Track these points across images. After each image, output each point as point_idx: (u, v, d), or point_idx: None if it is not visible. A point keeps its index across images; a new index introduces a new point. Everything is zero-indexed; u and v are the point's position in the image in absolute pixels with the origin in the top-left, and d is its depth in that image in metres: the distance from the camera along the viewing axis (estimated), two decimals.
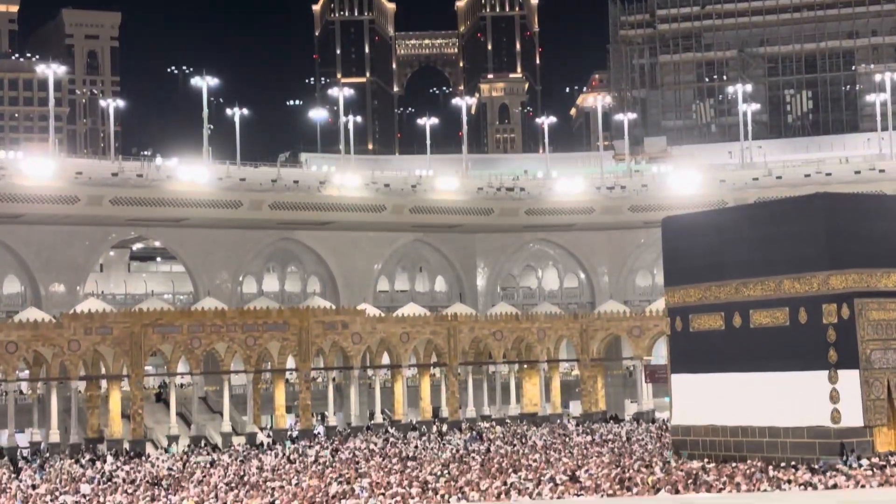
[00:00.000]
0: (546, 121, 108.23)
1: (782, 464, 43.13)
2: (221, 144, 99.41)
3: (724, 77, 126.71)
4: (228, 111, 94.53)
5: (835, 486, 35.15)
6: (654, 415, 79.87)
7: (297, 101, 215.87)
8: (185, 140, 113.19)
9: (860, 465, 40.98)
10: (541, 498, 34.31)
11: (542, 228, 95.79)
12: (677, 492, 35.03)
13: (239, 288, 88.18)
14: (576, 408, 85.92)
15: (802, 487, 35.85)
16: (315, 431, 72.40)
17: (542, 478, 39.50)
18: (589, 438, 60.76)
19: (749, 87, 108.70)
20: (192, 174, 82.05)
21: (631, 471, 41.04)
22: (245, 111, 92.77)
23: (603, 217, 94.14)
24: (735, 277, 49.02)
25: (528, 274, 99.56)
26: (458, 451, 56.24)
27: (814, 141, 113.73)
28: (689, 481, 37.09)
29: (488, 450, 55.73)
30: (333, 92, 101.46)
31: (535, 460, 47.97)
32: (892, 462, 41.79)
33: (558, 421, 77.45)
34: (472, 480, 39.02)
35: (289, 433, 72.32)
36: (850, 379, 44.78)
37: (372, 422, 76.42)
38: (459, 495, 35.54)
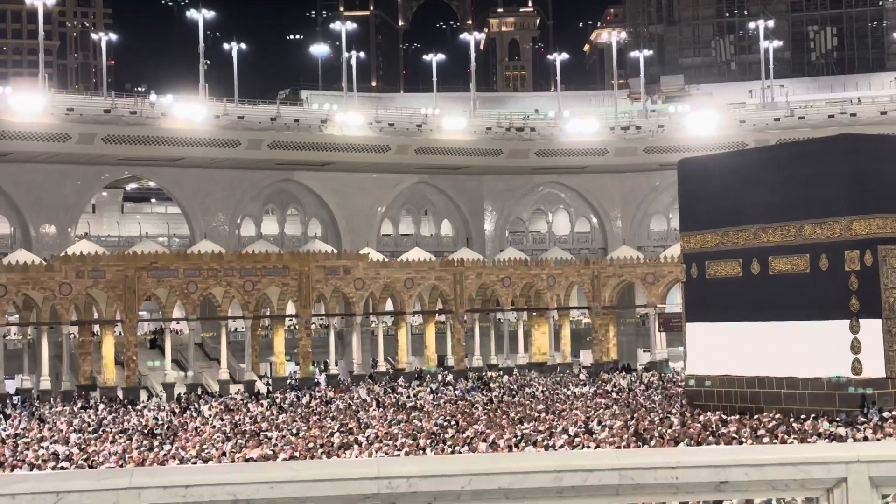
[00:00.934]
0: (558, 57, 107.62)
1: (801, 416, 43.26)
2: (219, 81, 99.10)
3: (745, 12, 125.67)
4: (226, 46, 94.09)
5: (865, 440, 35.16)
6: (668, 364, 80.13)
7: (297, 36, 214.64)
8: (180, 76, 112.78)
9: (882, 419, 41.06)
10: (555, 450, 34.36)
11: (552, 171, 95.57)
12: (698, 444, 35.09)
13: (237, 231, 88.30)
14: (586, 357, 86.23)
15: (828, 440, 35.91)
16: (316, 380, 72.77)
17: (553, 429, 39.65)
18: (599, 389, 61.01)
19: (771, 23, 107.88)
20: (187, 112, 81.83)
21: (645, 422, 41.19)
22: (243, 46, 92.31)
23: (617, 159, 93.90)
24: (754, 222, 48.92)
25: (537, 218, 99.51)
26: (459, 399, 56.48)
27: (838, 80, 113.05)
28: (708, 434, 37.16)
29: (491, 400, 55.92)
30: (336, 26, 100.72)
31: (542, 411, 48.18)
32: None
33: (567, 371, 77.76)
34: (480, 431, 39.17)
35: (288, 381, 72.74)
36: (872, 328, 44.80)
37: (375, 370, 76.76)
38: (467, 447, 35.67)
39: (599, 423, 41.35)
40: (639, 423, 40.59)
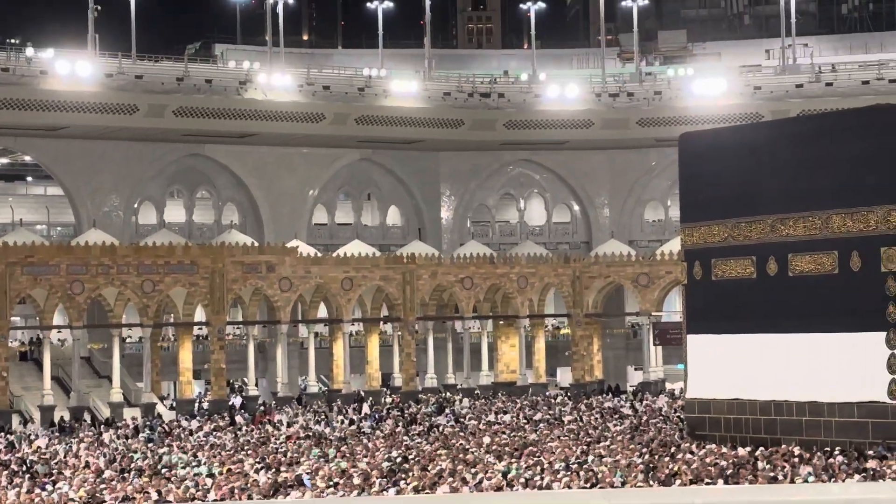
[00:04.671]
0: (533, 7, 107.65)
1: (826, 448, 43.62)
2: (112, 32, 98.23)
3: None
4: None
5: None
6: (665, 385, 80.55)
7: None
8: (64, 26, 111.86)
9: None
10: (549, 490, 34.79)
11: (525, 146, 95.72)
12: (726, 482, 35.44)
13: (134, 218, 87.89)
14: (565, 376, 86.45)
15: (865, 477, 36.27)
16: (230, 403, 72.61)
17: (541, 465, 39.97)
18: (585, 414, 61.34)
19: None
20: (73, 69, 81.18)
21: (653, 457, 41.47)
22: None
23: (604, 133, 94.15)
24: (771, 212, 49.24)
25: (506, 205, 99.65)
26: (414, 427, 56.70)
27: (874, 38, 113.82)
28: (739, 471, 37.44)
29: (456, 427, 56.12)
30: None
31: (519, 440, 48.41)
32: None
33: (543, 392, 77.96)
34: (447, 469, 39.38)
35: (197, 403, 72.45)
36: None
37: (305, 391, 76.57)
38: (433, 489, 35.93)
39: (599, 456, 41.72)
40: (653, 458, 40.86)
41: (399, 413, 65.48)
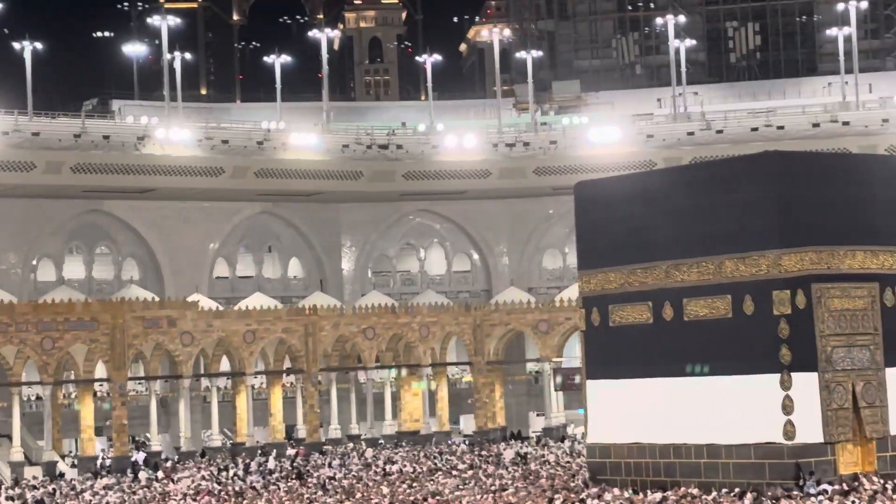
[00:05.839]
0: (429, 59, 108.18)
1: (723, 490, 43.91)
2: (8, 89, 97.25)
3: (652, 5, 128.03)
4: (16, 45, 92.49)
5: None
6: (567, 430, 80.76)
7: (107, 33, 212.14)
8: None
9: (821, 492, 41.91)
10: None
11: (424, 197, 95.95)
12: None
13: (32, 275, 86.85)
14: (468, 423, 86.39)
15: None
16: (133, 459, 71.71)
17: None
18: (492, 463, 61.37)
19: (682, 19, 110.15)
20: None
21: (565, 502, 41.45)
22: (38, 45, 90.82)
23: (501, 182, 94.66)
24: (665, 258, 49.63)
25: (407, 255, 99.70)
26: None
27: (763, 86, 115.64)
28: None
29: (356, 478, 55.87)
30: (155, 21, 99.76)
31: (419, 489, 48.22)
32: (858, 486, 42.84)
33: (447, 440, 77.89)
34: None
35: (100, 460, 71.47)
36: (806, 384, 45.67)
37: (207, 445, 75.86)
38: None
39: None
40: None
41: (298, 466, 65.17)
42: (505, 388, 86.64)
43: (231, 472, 63.43)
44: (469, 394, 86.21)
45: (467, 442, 76.19)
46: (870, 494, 41.12)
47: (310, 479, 57.74)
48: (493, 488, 48.46)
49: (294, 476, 60.22)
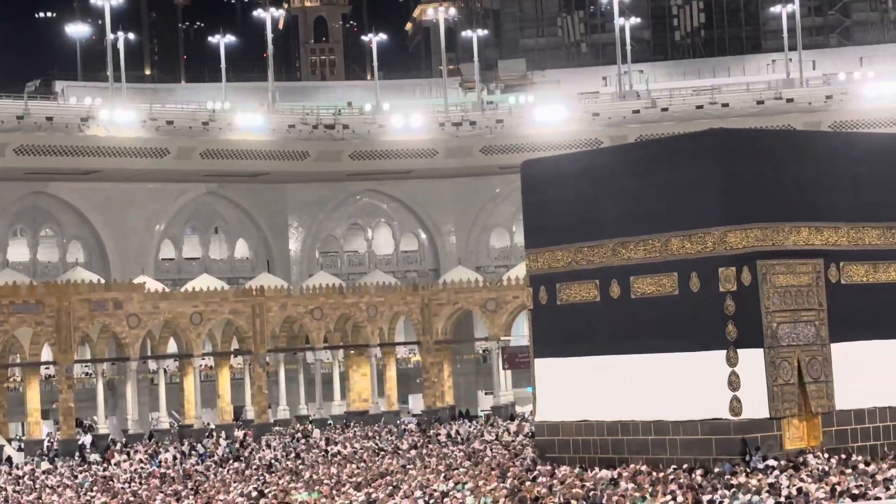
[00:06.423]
0: (374, 39, 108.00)
1: (672, 466, 44.10)
2: None
3: None
4: None
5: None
6: (515, 409, 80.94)
7: (49, 13, 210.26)
8: None
9: (767, 468, 42.15)
10: None
11: (371, 176, 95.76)
12: None
13: None
14: (417, 403, 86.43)
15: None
16: (80, 442, 71.36)
17: (403, 494, 39.82)
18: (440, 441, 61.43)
19: None
20: None
21: (515, 481, 41.47)
22: None
23: (448, 161, 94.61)
24: (612, 236, 49.69)
25: (354, 235, 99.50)
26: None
27: (707, 64, 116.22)
28: (605, 493, 37.60)
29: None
30: (98, 1, 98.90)
31: (369, 469, 48.22)
32: (804, 461, 43.10)
33: (397, 420, 77.91)
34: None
35: (46, 444, 71.07)
36: (752, 360, 45.92)
37: (155, 427, 75.57)
38: None
39: (458, 483, 41.65)
40: (516, 482, 40.92)
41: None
42: (453, 368, 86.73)
43: (178, 455, 63.23)
44: (417, 373, 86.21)
45: (416, 422, 76.15)
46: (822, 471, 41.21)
47: (254, 461, 57.63)
48: (440, 468, 48.43)
49: (239, 457, 60.06)
